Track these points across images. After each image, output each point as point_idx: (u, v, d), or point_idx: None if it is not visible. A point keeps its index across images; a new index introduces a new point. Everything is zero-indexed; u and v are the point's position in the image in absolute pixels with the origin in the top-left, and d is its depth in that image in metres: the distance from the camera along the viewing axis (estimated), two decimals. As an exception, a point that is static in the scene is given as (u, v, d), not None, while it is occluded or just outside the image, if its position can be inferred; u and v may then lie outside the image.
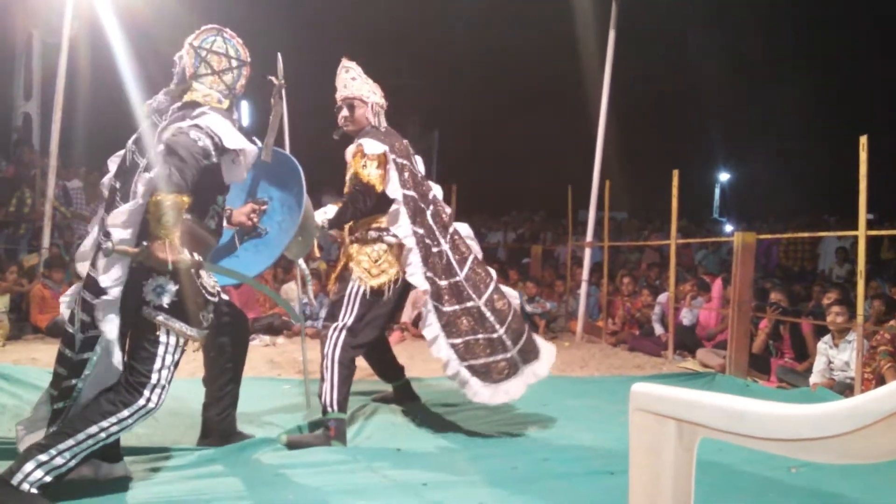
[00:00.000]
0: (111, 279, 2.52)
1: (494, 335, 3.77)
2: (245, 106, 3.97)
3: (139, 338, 2.61)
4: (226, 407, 3.35)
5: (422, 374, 5.25)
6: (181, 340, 2.63)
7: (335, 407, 3.56)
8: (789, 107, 16.13)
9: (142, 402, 2.55)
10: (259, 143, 3.66)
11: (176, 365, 2.65)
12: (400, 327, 7.92)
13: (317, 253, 3.91)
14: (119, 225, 2.52)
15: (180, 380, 5.00)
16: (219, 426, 3.33)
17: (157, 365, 2.58)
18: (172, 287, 2.58)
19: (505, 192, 16.84)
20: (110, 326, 2.51)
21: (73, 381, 2.63)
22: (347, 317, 3.68)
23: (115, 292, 2.52)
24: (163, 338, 2.59)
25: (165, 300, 2.57)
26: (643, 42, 13.22)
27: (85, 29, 8.45)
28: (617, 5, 8.42)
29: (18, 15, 10.67)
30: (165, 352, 2.59)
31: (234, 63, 2.89)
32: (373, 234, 3.82)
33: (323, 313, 8.13)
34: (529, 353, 3.86)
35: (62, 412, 2.63)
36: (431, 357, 3.83)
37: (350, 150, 3.84)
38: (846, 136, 5.64)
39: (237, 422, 3.46)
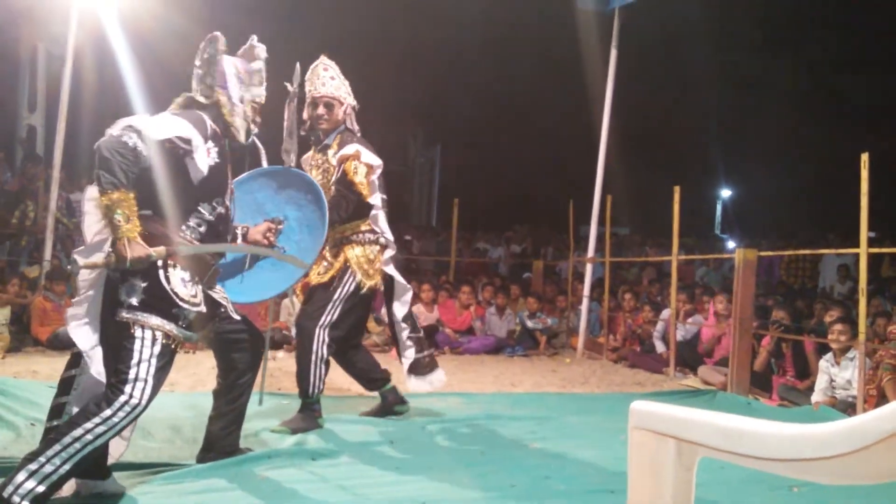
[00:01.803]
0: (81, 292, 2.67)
1: None
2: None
3: (119, 341, 2.62)
4: (230, 423, 3.30)
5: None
6: (158, 335, 2.63)
7: (318, 394, 4.02)
8: (791, 123, 16.18)
9: (124, 398, 2.55)
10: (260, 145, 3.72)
11: (160, 360, 2.63)
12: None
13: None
14: (88, 242, 2.67)
15: (180, 393, 5.03)
16: (221, 441, 3.29)
17: (135, 359, 2.59)
18: (141, 284, 2.63)
19: (506, 207, 16.86)
20: (81, 337, 2.61)
21: (63, 399, 2.69)
22: (332, 314, 3.95)
23: (81, 305, 2.65)
24: (138, 333, 2.61)
25: (136, 298, 2.62)
26: (645, 59, 13.29)
27: (90, 40, 8.49)
28: (618, 24, 8.48)
29: (24, 27, 10.71)
30: (142, 346, 2.61)
31: (198, 63, 2.99)
32: (369, 235, 4.04)
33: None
34: None
35: (54, 430, 2.62)
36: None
37: (339, 153, 3.94)
38: (848, 153, 5.65)
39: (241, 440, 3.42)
